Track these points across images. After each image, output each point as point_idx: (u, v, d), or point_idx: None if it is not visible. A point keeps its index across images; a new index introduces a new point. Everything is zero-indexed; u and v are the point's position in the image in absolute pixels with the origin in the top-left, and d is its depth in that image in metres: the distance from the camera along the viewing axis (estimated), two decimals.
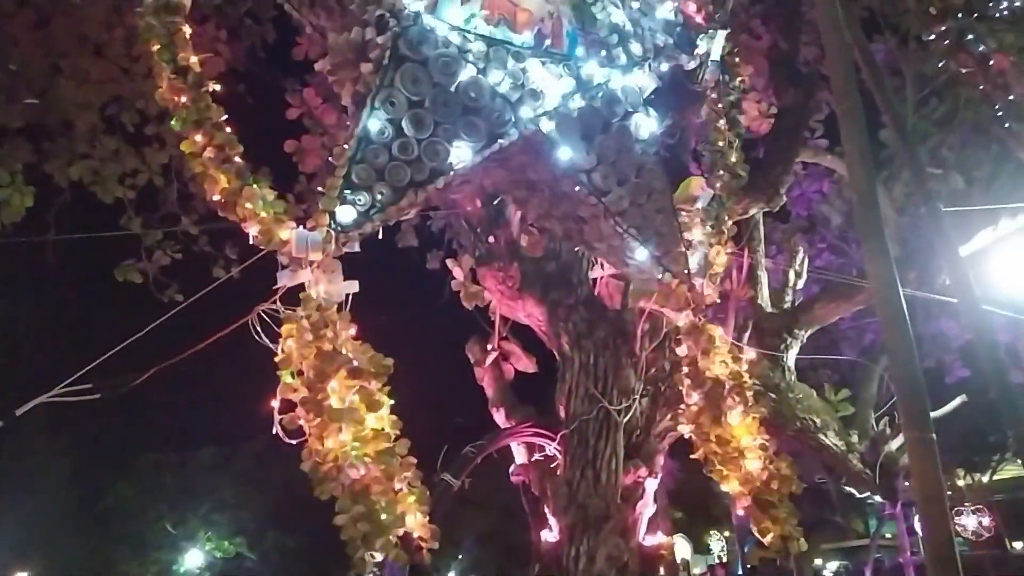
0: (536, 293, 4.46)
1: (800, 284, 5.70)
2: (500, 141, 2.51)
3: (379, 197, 2.26)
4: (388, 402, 1.98)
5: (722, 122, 3.50)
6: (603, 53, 2.91)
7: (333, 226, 2.17)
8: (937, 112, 5.44)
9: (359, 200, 2.23)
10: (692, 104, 4.28)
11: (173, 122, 2.14)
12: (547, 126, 2.63)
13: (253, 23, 5.89)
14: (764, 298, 5.61)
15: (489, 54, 2.56)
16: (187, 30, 2.19)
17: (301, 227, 2.15)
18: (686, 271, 2.98)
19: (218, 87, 2.19)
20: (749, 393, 2.75)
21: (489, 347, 4.95)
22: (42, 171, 5.52)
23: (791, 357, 5.22)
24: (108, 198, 5.76)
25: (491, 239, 4.47)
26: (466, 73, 2.49)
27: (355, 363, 1.95)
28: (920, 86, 5.45)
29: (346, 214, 2.21)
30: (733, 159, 3.47)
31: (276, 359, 1.99)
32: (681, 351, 2.94)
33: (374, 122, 2.30)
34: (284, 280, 2.12)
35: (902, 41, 5.46)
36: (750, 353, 2.95)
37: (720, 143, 3.50)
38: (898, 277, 2.57)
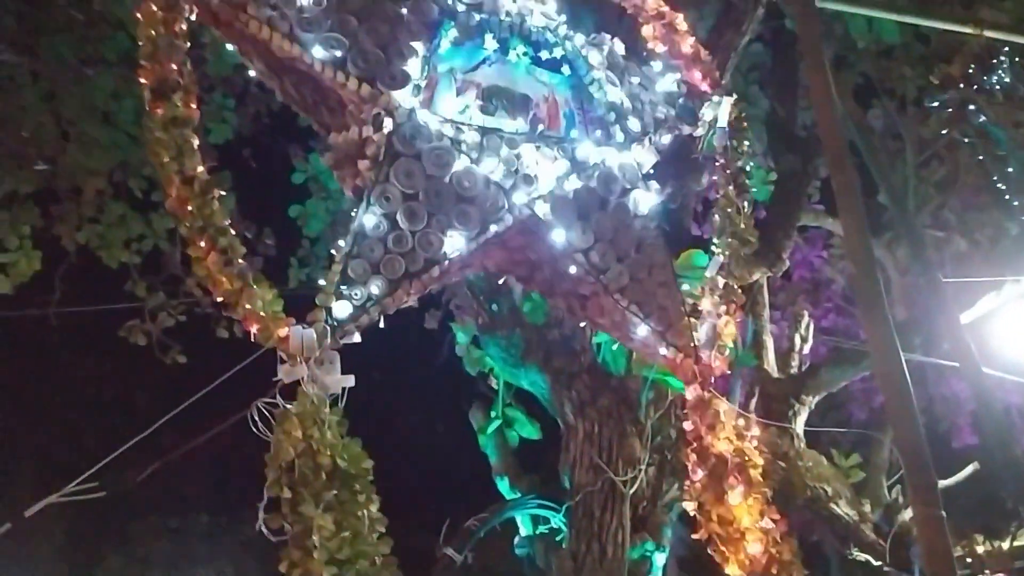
0: (539, 361, 4.56)
1: (806, 349, 5.77)
2: (494, 228, 2.63)
3: (374, 291, 2.38)
4: (373, 502, 2.08)
5: (731, 188, 3.59)
6: (599, 133, 3.06)
7: (329, 321, 2.29)
8: (938, 175, 5.57)
9: (355, 295, 2.35)
10: (694, 170, 4.43)
11: (181, 229, 2.29)
12: (542, 209, 2.75)
13: (259, 91, 6.16)
14: (770, 363, 5.67)
15: (483, 143, 2.70)
16: (195, 141, 2.34)
17: (300, 325, 2.27)
18: (692, 344, 3.06)
19: (223, 193, 2.34)
20: (755, 472, 2.80)
21: (492, 414, 5.03)
22: (49, 235, 5.86)
23: (799, 424, 5.26)
24: (114, 263, 6.02)
25: (494, 306, 4.59)
26: (459, 163, 2.62)
27: (340, 464, 2.05)
28: (920, 149, 5.57)
29: (342, 309, 2.33)
30: (742, 225, 3.55)
31: (267, 454, 2.09)
32: (687, 425, 3.01)
33: (369, 217, 2.43)
34: (282, 375, 2.23)
35: (900, 105, 5.61)
36: (755, 430, 3.00)
37: (729, 209, 3.59)
38: (902, 342, 2.64)
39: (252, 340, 2.26)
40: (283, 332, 2.21)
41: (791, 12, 3.78)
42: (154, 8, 2.42)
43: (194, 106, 2.40)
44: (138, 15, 2.42)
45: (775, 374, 5.56)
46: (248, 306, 2.19)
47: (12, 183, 5.55)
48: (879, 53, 5.41)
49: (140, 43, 2.40)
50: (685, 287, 3.23)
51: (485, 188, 2.65)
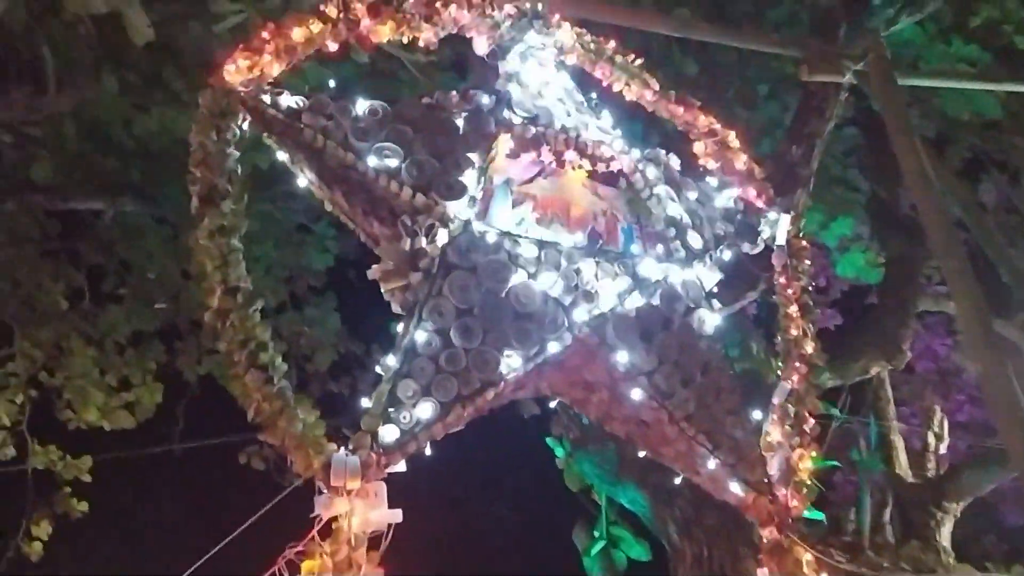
0: (635, 477, 4.32)
1: (942, 448, 5.45)
2: (554, 346, 2.51)
3: (425, 415, 2.24)
4: None
5: (793, 308, 3.46)
6: (660, 248, 3.00)
7: (375, 448, 2.14)
8: None
9: (403, 418, 2.21)
10: (747, 287, 4.35)
11: (220, 344, 2.20)
12: (604, 328, 2.66)
13: None
14: (902, 467, 5.36)
15: (541, 257, 2.63)
16: (240, 248, 2.31)
17: (341, 449, 2.12)
18: (766, 480, 2.86)
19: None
20: None
21: (596, 533, 4.77)
22: (171, 369, 6.38)
23: (945, 535, 4.86)
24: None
25: (584, 419, 4.42)
26: (517, 278, 2.53)
27: None
28: None
29: (389, 434, 2.17)
30: (809, 349, 3.41)
31: None
32: (762, 573, 2.75)
33: (420, 334, 2.32)
34: (320, 509, 2.05)
35: (1013, 178, 5.56)
36: None
37: (794, 331, 3.46)
38: None
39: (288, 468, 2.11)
40: (323, 460, 2.06)
41: (874, 93, 3.82)
42: (208, 115, 2.45)
43: (242, 214, 2.37)
44: (193, 125, 2.44)
45: (909, 479, 5.22)
46: (286, 429, 2.06)
47: (139, 323, 6.06)
48: (985, 126, 5.41)
49: (192, 150, 2.42)
50: (757, 415, 3.06)
51: (544, 304, 2.55)
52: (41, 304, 5.69)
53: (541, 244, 2.67)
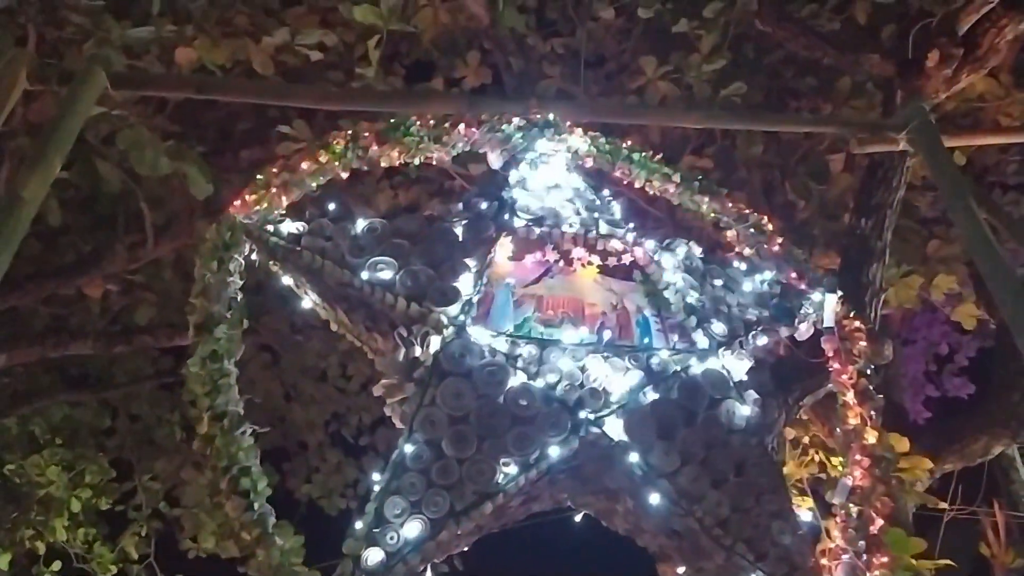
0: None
1: None
2: (557, 451, 2.20)
3: (413, 534, 1.97)
4: None
5: (851, 395, 3.01)
6: (676, 338, 2.67)
7: (358, 574, 1.88)
8: None
9: (390, 539, 1.95)
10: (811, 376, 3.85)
11: (207, 472, 2.06)
12: (614, 427, 2.32)
13: None
14: None
15: (542, 357, 2.37)
16: (232, 373, 2.20)
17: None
18: None
19: (256, 428, 2.13)
20: None
21: None
22: (281, 490, 6.44)
23: None
24: (333, 511, 6.35)
25: None
26: (515, 380, 2.29)
27: None
28: None
29: (374, 557, 1.92)
30: (872, 439, 2.91)
31: None
32: None
33: (410, 447, 2.10)
34: None
35: None
36: None
37: (853, 421, 2.98)
38: None
39: None
40: None
41: (923, 159, 3.46)
42: (211, 248, 2.42)
43: (238, 340, 2.28)
44: (197, 258, 2.42)
45: None
46: (261, 559, 1.84)
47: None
48: None
49: (196, 279, 2.38)
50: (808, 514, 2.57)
51: (545, 406, 2.27)
52: (158, 437, 5.86)
53: (542, 343, 2.42)
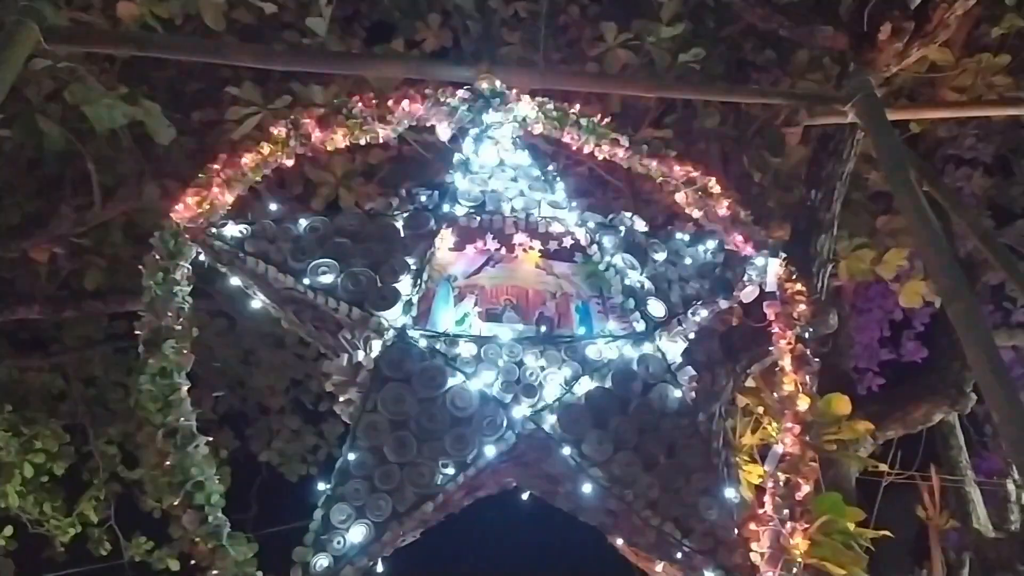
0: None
1: None
2: (494, 450, 2.39)
3: (358, 539, 2.20)
4: None
5: (787, 360, 3.18)
6: (612, 324, 2.87)
7: None
8: None
9: (336, 544, 2.19)
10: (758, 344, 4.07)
11: (160, 488, 2.22)
12: (549, 422, 2.54)
13: None
14: (981, 521, 4.91)
15: (480, 355, 2.53)
16: (183, 385, 2.35)
17: None
18: (749, 564, 2.64)
19: (208, 439, 2.31)
20: None
21: None
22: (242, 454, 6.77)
23: None
24: (293, 477, 6.58)
25: None
26: (453, 381, 2.47)
27: None
28: None
29: (322, 562, 2.15)
30: (803, 406, 3.05)
31: None
32: None
33: (353, 454, 2.29)
34: None
35: None
36: None
37: (788, 387, 3.20)
38: None
39: None
40: None
41: (868, 132, 3.59)
42: (156, 258, 2.52)
43: (186, 352, 2.43)
44: (141, 267, 2.52)
45: (990, 533, 4.78)
46: (216, 571, 2.07)
47: (206, 411, 6.35)
48: None
49: (144, 291, 2.49)
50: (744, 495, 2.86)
51: (481, 406, 2.47)
52: (112, 401, 6.01)
53: (480, 341, 2.59)
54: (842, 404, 4.18)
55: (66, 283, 5.43)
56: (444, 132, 3.26)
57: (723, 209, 3.40)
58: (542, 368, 2.59)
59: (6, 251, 4.92)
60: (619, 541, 2.83)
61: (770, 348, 3.44)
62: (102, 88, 3.66)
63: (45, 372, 6.02)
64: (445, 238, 2.84)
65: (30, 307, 5.19)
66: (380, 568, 2.32)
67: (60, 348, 5.83)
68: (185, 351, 2.40)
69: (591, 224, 3.08)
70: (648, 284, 2.98)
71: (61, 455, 6.19)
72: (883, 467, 4.79)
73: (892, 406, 5.12)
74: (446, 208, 2.87)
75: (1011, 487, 4.98)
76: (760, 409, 4.28)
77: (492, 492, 2.73)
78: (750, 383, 4.37)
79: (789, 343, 3.23)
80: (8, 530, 6.18)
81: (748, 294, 3.28)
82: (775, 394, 3.27)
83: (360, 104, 3.01)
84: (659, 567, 4.52)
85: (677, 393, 2.75)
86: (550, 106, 3.35)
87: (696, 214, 3.47)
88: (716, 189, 3.46)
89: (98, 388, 6.12)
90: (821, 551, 3.51)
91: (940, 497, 4.73)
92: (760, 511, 2.80)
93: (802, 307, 3.36)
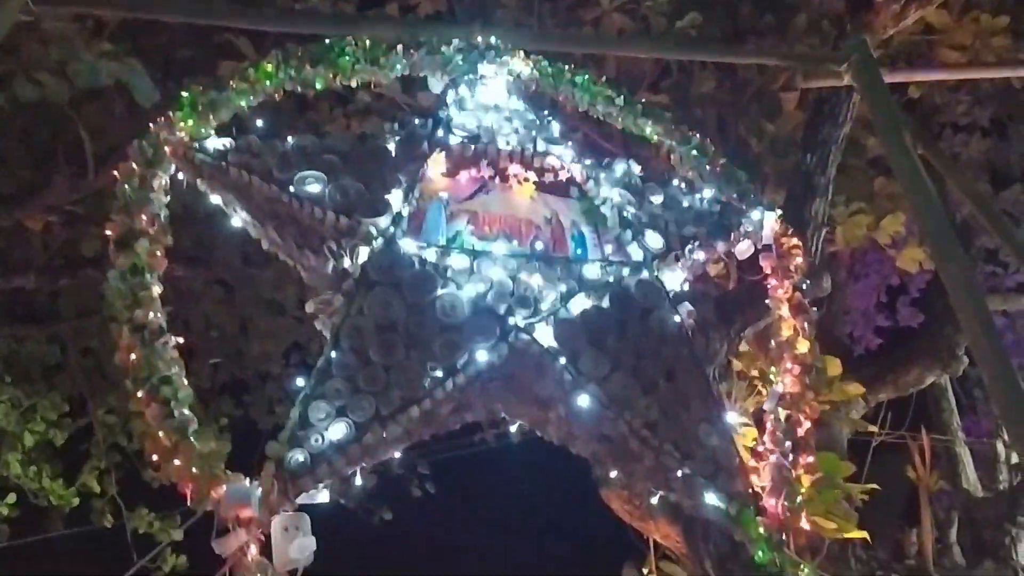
0: (667, 512, 3.93)
1: (1015, 457, 4.78)
2: (486, 357, 2.19)
3: (337, 436, 1.97)
4: None
5: (785, 309, 3.07)
6: (610, 249, 2.67)
7: (281, 475, 1.88)
8: None
9: (314, 441, 1.95)
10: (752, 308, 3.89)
11: (128, 383, 2.01)
12: (543, 335, 2.32)
13: None
14: (971, 482, 4.73)
15: (473, 267, 2.35)
16: (156, 290, 2.13)
17: (248, 480, 1.87)
18: (751, 491, 2.41)
19: (179, 340, 2.09)
20: None
21: (646, 571, 4.37)
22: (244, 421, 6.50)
23: (1023, 552, 4.21)
24: None
25: None
26: (444, 289, 2.28)
27: None
28: None
29: (296, 457, 1.92)
30: (803, 349, 2.98)
31: None
32: None
33: (336, 354, 2.08)
34: (218, 548, 1.80)
35: None
36: None
37: (786, 332, 3.04)
38: None
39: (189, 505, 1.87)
40: (219, 491, 1.81)
41: (861, 93, 3.45)
42: (132, 166, 2.33)
43: (160, 254, 2.21)
44: (115, 172, 2.33)
45: (979, 494, 4.57)
46: (179, 462, 1.82)
47: (205, 380, 6.11)
48: None
49: (117, 196, 2.29)
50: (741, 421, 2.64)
51: (474, 313, 2.26)
52: (111, 372, 5.76)
53: (474, 254, 2.39)
54: (833, 366, 3.97)
55: (62, 252, 5.22)
56: (436, 85, 3.09)
57: (718, 168, 3.24)
58: (537, 284, 2.39)
59: (0, 220, 4.71)
60: (612, 473, 2.58)
61: (764, 313, 3.26)
62: (85, 46, 3.49)
63: (42, 343, 5.78)
64: (438, 162, 2.66)
65: (26, 276, 4.97)
66: (359, 481, 2.07)
67: (57, 318, 5.60)
68: (159, 253, 2.18)
69: (587, 161, 2.90)
70: (645, 219, 2.79)
71: (60, 425, 5.92)
72: (874, 428, 4.59)
73: (884, 369, 4.96)
74: (440, 134, 2.68)
75: (1000, 447, 4.78)
76: (754, 373, 4.07)
77: (480, 418, 2.48)
78: (744, 348, 4.17)
79: (786, 292, 3.04)
80: (12, 497, 5.87)
81: (743, 251, 3.10)
82: (772, 342, 3.08)
83: (354, 44, 2.84)
84: (654, 529, 4.28)
85: (676, 319, 2.54)
86: (545, 63, 3.20)
87: (690, 174, 3.30)
88: (711, 148, 3.32)
89: (96, 358, 5.86)
90: (813, 508, 3.28)
91: (930, 459, 4.52)
92: (760, 447, 2.60)
93: (799, 260, 3.18)
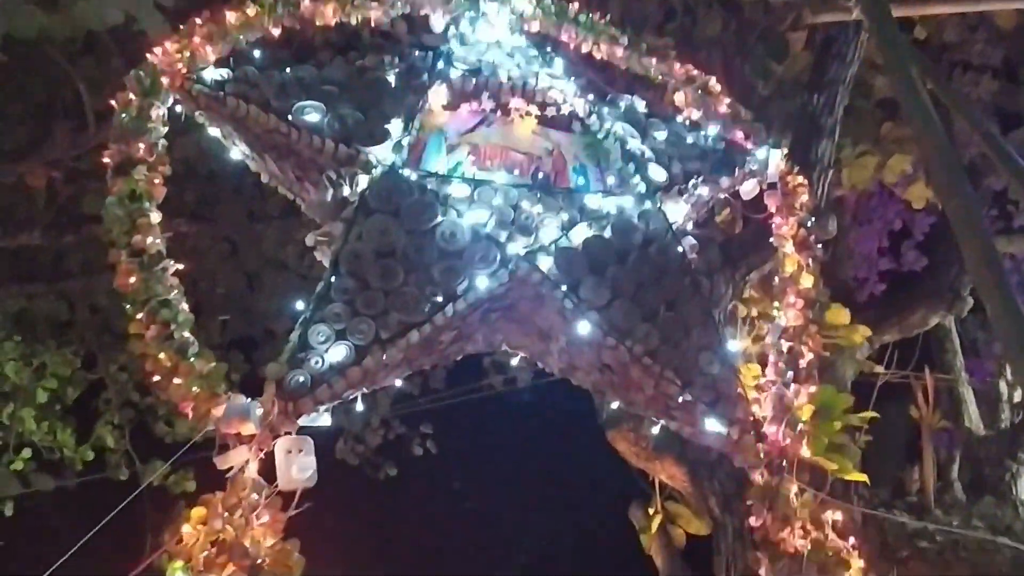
0: (673, 453, 3.95)
1: (1017, 396, 4.79)
2: (486, 283, 2.16)
3: (337, 358, 1.96)
4: None
5: (789, 246, 3.03)
6: (612, 180, 2.62)
7: (281, 395, 1.88)
8: None
9: (314, 363, 1.94)
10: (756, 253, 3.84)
11: (127, 307, 1.99)
12: (544, 263, 2.29)
13: None
14: (973, 421, 4.74)
15: (473, 196, 2.30)
16: (155, 217, 2.11)
17: (242, 398, 1.86)
18: (751, 418, 2.40)
19: (179, 266, 2.06)
20: (844, 570, 2.04)
21: (652, 511, 4.42)
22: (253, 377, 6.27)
23: (1023, 489, 4.24)
24: None
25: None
26: (444, 217, 2.23)
27: (256, 559, 1.55)
28: None
29: (296, 378, 1.91)
30: (807, 283, 2.94)
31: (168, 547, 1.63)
32: (752, 521, 2.29)
33: (335, 279, 2.05)
34: (220, 464, 1.80)
35: None
36: (836, 514, 2.24)
37: (790, 268, 3.01)
38: None
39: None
40: (219, 410, 1.81)
41: (869, 26, 3.34)
42: (130, 96, 2.29)
43: (158, 182, 2.18)
44: (112, 102, 2.29)
45: (981, 432, 4.59)
46: (178, 382, 1.81)
47: (214, 336, 6.12)
48: None
49: (113, 126, 2.26)
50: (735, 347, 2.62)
51: (474, 241, 2.22)
52: (120, 328, 5.77)
53: (474, 183, 2.35)
54: (840, 315, 3.93)
55: (66, 209, 5.19)
56: (438, 22, 3.01)
57: (723, 107, 3.16)
58: (538, 213, 2.35)
59: (2, 177, 4.67)
60: (614, 405, 2.57)
61: (768, 257, 3.21)
62: None
63: (51, 300, 5.78)
64: (439, 95, 2.60)
65: (30, 233, 4.94)
66: (360, 406, 2.06)
67: (64, 274, 5.60)
68: (157, 181, 2.15)
69: (590, 96, 2.83)
70: (649, 153, 2.74)
71: (72, 381, 5.94)
72: (879, 369, 4.59)
73: (889, 311, 4.94)
74: (441, 67, 2.62)
75: (1003, 386, 4.78)
76: (756, 313, 4.05)
77: (481, 349, 2.47)
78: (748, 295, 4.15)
79: (791, 229, 2.99)
80: (27, 452, 5.93)
81: (748, 191, 3.04)
82: (776, 278, 3.05)
83: None
84: (660, 469, 4.29)
85: (679, 249, 2.50)
86: (548, 1, 3.10)
87: (696, 115, 3.23)
88: (716, 88, 3.23)
89: (104, 315, 5.87)
90: (814, 446, 3.29)
91: (933, 398, 4.53)
92: (762, 379, 2.58)
93: (804, 198, 3.13)
